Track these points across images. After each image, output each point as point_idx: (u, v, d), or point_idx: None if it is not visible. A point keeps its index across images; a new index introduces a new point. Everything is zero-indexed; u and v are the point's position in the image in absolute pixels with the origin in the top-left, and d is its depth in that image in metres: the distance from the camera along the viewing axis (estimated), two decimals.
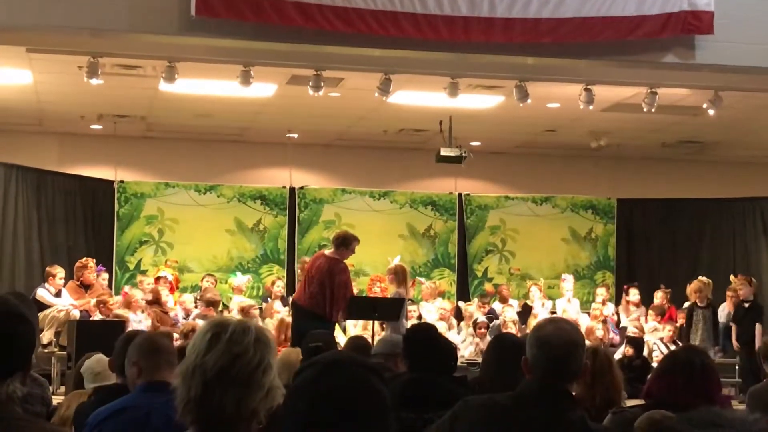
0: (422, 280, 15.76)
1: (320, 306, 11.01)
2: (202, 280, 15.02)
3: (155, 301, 13.30)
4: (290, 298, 12.30)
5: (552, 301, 15.44)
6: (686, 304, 14.26)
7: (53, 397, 7.16)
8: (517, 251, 17.42)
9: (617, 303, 15.68)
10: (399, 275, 12.39)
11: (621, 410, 4.62)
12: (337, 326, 13.47)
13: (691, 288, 14.17)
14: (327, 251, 11.56)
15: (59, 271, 13.30)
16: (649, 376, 5.05)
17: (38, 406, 6.01)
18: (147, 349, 4.26)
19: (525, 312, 15.05)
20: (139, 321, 12.82)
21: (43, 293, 12.99)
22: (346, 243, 11.36)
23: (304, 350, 6.19)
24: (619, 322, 14.93)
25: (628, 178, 17.51)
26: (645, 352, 13.22)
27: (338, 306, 11.13)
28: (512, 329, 13.52)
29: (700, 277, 14.46)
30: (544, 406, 3.46)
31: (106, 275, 14.38)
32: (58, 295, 13.14)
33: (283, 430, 1.91)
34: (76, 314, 12.72)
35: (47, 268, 13.49)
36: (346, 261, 11.49)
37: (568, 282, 15.39)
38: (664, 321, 14.34)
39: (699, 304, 13.91)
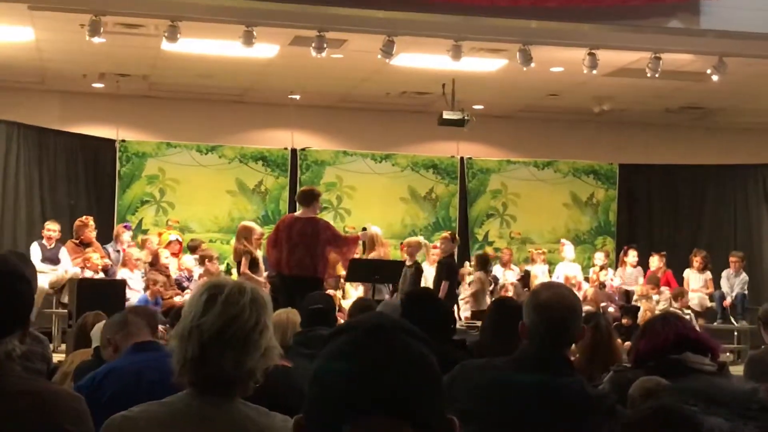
0: (436, 244, 15.74)
1: (308, 269, 10.73)
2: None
3: (153, 263, 13.24)
4: (266, 273, 12.19)
5: (552, 265, 15.46)
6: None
7: (54, 354, 7.20)
8: (518, 215, 17.40)
9: (617, 267, 15.71)
10: (368, 242, 12.49)
11: (622, 369, 4.64)
12: (341, 289, 13.53)
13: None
14: (297, 213, 11.22)
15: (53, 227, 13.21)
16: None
17: (38, 364, 6.06)
18: (116, 324, 4.43)
19: (525, 278, 15.00)
20: (137, 280, 12.81)
21: (32, 250, 12.85)
22: (313, 196, 11.21)
23: (303, 313, 6.17)
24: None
25: (630, 143, 17.46)
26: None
27: (343, 257, 11.32)
28: (510, 292, 13.52)
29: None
30: (542, 371, 3.48)
31: (129, 233, 14.24)
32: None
33: (310, 414, 1.55)
34: (77, 272, 12.68)
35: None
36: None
37: (568, 246, 15.38)
38: (662, 285, 14.51)
39: (407, 262, 12.90)
